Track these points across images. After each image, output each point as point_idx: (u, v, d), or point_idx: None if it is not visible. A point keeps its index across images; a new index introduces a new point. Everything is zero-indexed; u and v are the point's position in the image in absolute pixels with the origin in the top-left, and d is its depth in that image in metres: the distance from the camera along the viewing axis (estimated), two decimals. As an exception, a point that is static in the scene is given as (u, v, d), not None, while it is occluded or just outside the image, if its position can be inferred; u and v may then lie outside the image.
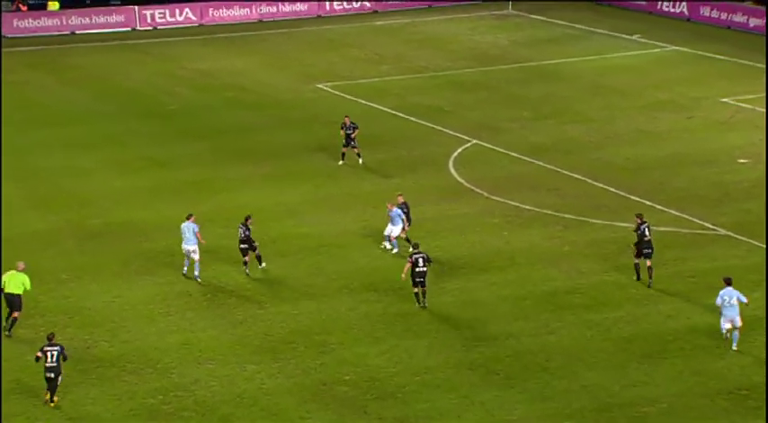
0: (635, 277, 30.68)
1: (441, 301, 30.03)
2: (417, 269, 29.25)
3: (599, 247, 33.06)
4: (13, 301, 28.04)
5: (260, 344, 27.88)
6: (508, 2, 67.29)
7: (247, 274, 31.41)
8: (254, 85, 52.45)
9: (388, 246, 32.69)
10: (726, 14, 60.87)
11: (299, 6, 66.62)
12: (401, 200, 33.16)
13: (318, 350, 27.51)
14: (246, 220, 31.65)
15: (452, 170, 40.38)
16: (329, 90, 51.28)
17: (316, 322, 28.97)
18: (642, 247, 30.45)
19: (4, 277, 28.22)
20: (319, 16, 66.48)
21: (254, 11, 66.07)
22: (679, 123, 45.17)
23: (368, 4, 67.54)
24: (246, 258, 31.45)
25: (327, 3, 66.98)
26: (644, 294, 30.09)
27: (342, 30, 63.35)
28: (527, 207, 36.44)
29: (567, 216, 35.60)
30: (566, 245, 33.41)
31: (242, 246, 31.50)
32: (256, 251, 31.58)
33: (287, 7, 66.49)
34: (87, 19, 63.91)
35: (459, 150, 42.48)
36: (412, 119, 46.47)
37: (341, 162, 40.42)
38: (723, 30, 60.11)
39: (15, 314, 28.06)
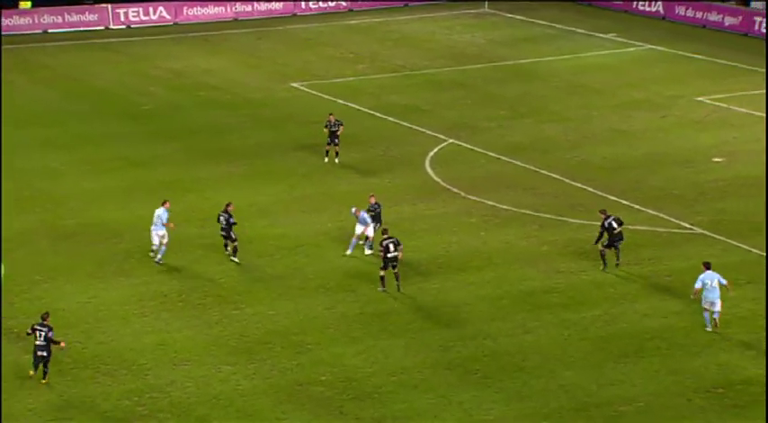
0: (601, 267, 31.18)
1: (418, 301, 30.11)
2: (389, 255, 29.79)
3: (576, 247, 33.23)
4: None
5: (236, 344, 27.86)
6: (484, 1, 67.47)
7: (232, 260, 31.96)
8: (229, 84, 52.37)
9: (368, 251, 32.58)
10: (701, 13, 61.31)
11: (275, 5, 66.57)
12: (373, 200, 33.15)
13: (295, 350, 27.53)
14: (227, 206, 32.25)
15: (429, 170, 40.47)
16: (304, 89, 51.28)
17: (292, 322, 28.98)
18: (614, 240, 31.00)
19: None
20: (294, 15, 66.47)
21: (228, 9, 65.96)
22: (654, 122, 45.45)
23: (343, 3, 67.56)
24: (228, 245, 32.12)
25: (303, 2, 66.96)
26: (621, 293, 30.29)
27: (317, 29, 63.36)
28: (504, 206, 36.58)
29: (544, 215, 35.77)
30: (543, 244, 33.57)
31: (222, 233, 32.13)
32: (234, 243, 31.88)
33: (262, 6, 66.42)
34: (60, 18, 63.61)
35: (436, 150, 42.58)
36: (388, 118, 46.53)
37: (326, 160, 40.50)
38: (698, 29, 60.52)
39: None
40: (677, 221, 35.12)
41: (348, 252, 32.54)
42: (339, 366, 26.76)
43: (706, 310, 28.08)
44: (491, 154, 41.94)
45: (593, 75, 52.61)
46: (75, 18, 63.80)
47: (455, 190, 38.23)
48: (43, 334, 25.67)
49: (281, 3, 66.61)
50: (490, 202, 36.87)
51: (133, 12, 64.50)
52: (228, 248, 32.44)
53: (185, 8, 65.36)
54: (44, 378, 25.85)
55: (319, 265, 32.30)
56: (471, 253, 32.96)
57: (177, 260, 32.59)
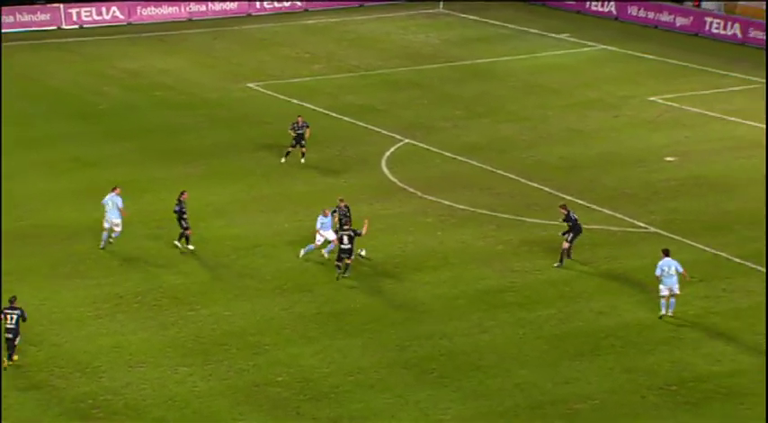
0: (556, 263, 31.52)
1: (374, 301, 30.14)
2: (342, 246, 30.32)
3: (532, 246, 33.41)
4: None
5: (192, 346, 27.72)
6: (439, 1, 67.64)
7: (188, 249, 32.37)
8: (184, 84, 52.08)
9: (326, 254, 32.48)
10: (653, 14, 61.87)
11: (229, 5, 66.23)
12: (342, 204, 32.96)
13: (251, 351, 27.44)
14: (181, 194, 32.73)
15: (385, 169, 40.50)
16: (260, 89, 51.12)
17: (249, 323, 28.89)
18: (576, 232, 31.54)
19: None
20: (249, 15, 66.20)
21: (183, 9, 65.54)
22: (608, 122, 45.81)
23: (298, 2, 67.38)
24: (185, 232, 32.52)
25: (257, 1, 66.71)
26: (576, 292, 30.50)
27: (272, 29, 63.16)
28: (460, 206, 36.69)
29: (500, 215, 35.92)
30: (499, 244, 33.71)
31: (178, 220, 32.53)
32: (185, 231, 32.28)
33: (216, 6, 66.05)
34: (11, 17, 62.82)
35: (393, 149, 42.63)
36: (344, 118, 46.50)
37: (283, 160, 40.39)
38: (650, 29, 61.07)
39: None
40: (631, 220, 35.42)
41: (302, 254, 32.43)
42: (296, 367, 26.71)
43: (662, 296, 28.78)
44: (447, 154, 42.05)
45: (549, 75, 52.92)
46: (26, 18, 63.06)
47: (411, 190, 38.29)
48: (15, 317, 26.23)
49: (236, 3, 66.31)
50: (446, 202, 36.97)
51: (86, 12, 63.87)
52: (179, 241, 32.61)
53: (139, 8, 64.85)
54: (11, 359, 26.16)
55: (276, 265, 32.21)
56: (427, 253, 33.03)
57: (132, 262, 32.37)
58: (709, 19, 59.71)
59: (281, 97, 49.62)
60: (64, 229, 34.63)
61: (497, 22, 63.22)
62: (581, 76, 52.60)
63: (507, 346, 27.71)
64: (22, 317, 26.53)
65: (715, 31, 59.02)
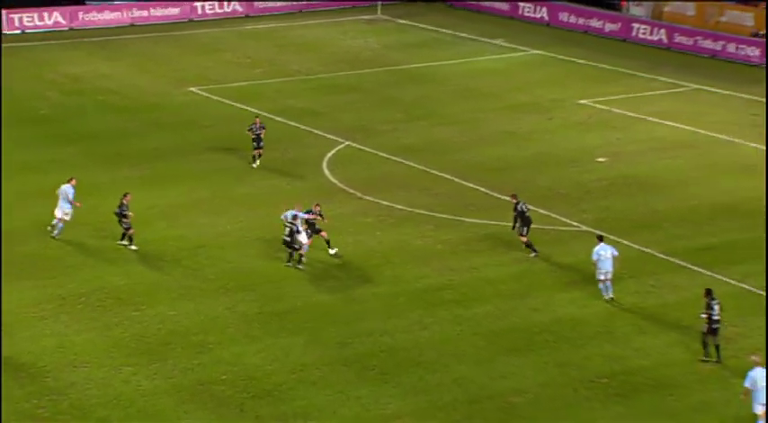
0: (532, 254, 32.20)
1: (316, 300, 30.10)
2: (284, 237, 31.14)
3: (469, 245, 33.59)
4: None
5: (136, 346, 27.47)
6: (377, 7, 67.73)
7: (130, 248, 32.50)
8: (127, 88, 51.56)
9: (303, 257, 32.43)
10: (583, 20, 62.55)
11: (171, 11, 65.72)
12: (318, 209, 32.72)
13: (196, 350, 27.26)
14: (124, 196, 32.86)
15: (326, 171, 40.47)
16: (202, 93, 50.77)
17: (193, 323, 28.69)
18: (525, 223, 32.24)
19: None
20: (191, 20, 65.73)
21: (125, 15, 64.87)
22: (541, 124, 46.21)
23: (239, 8, 67.08)
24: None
25: (199, 7, 66.29)
26: (511, 290, 30.72)
27: (214, 34, 62.77)
28: (399, 207, 36.78)
29: (438, 215, 36.07)
30: (437, 243, 33.84)
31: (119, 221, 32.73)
32: (128, 231, 32.35)
33: (159, 11, 65.52)
34: (-47, 22, 61.81)
35: (333, 152, 42.60)
36: (286, 121, 46.36)
37: (254, 164, 40.06)
38: (581, 34, 61.72)
39: None
40: (564, 219, 35.77)
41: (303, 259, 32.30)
42: (240, 365, 26.59)
43: (601, 281, 29.57)
44: (386, 156, 42.13)
45: (484, 79, 53.24)
46: (-33, 23, 62.06)
47: (352, 191, 38.30)
48: None
49: (178, 8, 65.82)
50: (386, 203, 37.03)
51: (27, 17, 62.90)
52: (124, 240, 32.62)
53: (81, 13, 64.06)
54: None
55: (220, 266, 32.04)
56: (368, 252, 33.06)
57: (77, 263, 31.99)
58: (636, 25, 60.51)
59: (224, 101, 49.34)
60: (6, 233, 34.09)
61: (434, 28, 63.46)
62: (514, 79, 53.00)
63: (446, 342, 27.83)
64: None
65: (642, 36, 59.83)
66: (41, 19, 63.17)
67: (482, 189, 38.56)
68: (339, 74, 54.26)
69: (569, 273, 31.53)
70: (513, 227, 32.69)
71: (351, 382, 25.95)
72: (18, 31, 62.49)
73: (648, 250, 33.16)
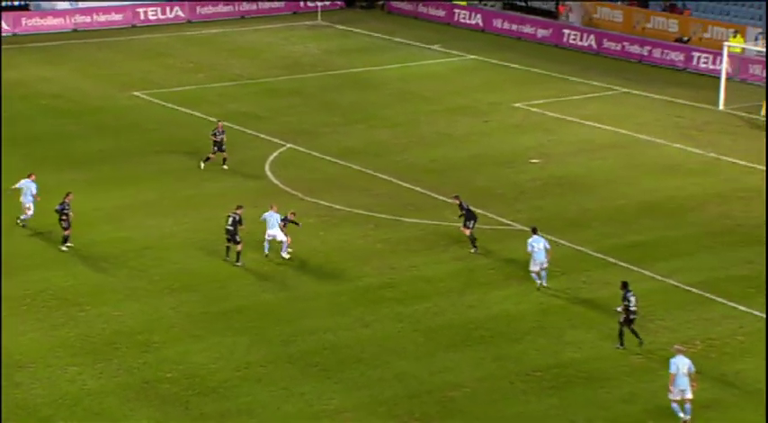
0: (472, 249, 32.47)
1: (260, 299, 30.01)
2: (227, 226, 31.25)
3: (408, 244, 33.71)
4: None
5: (82, 346, 27.16)
6: (317, 13, 67.66)
7: (63, 249, 32.27)
8: (70, 92, 50.92)
9: (286, 255, 32.24)
10: (516, 26, 63.12)
11: (114, 16, 65.03)
12: (292, 217, 32.61)
13: (141, 350, 27.03)
14: (66, 196, 32.55)
15: (269, 173, 40.36)
16: (146, 97, 50.33)
17: (138, 323, 28.44)
18: (472, 219, 32.63)
19: None
20: (134, 26, 65.10)
21: (68, 20, 64.05)
22: (477, 127, 46.51)
23: (181, 14, 66.57)
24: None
25: (142, 13, 65.67)
26: (449, 287, 30.89)
27: (156, 39, 62.23)
28: (340, 207, 36.80)
29: (378, 215, 36.15)
30: (377, 242, 33.92)
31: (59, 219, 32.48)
32: (66, 231, 32.01)
33: (101, 17, 64.78)
34: None
35: (276, 154, 42.49)
36: (228, 125, 46.11)
37: (202, 166, 39.83)
38: (514, 40, 62.23)
39: None
40: (499, 219, 36.05)
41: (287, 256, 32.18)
42: (185, 364, 26.42)
43: (535, 272, 30.13)
44: (327, 158, 42.13)
45: (421, 83, 53.44)
46: None
47: (294, 192, 38.24)
48: None
49: (121, 14, 65.15)
50: (327, 204, 37.03)
51: (-30, 22, 61.93)
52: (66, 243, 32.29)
53: (24, 19, 63.12)
54: None
55: (165, 267, 31.79)
56: (310, 252, 33.03)
57: (21, 264, 31.54)
58: (567, 31, 61.20)
59: (167, 105, 48.95)
60: (-48, 235, 33.53)
61: (373, 34, 63.56)
62: (451, 83, 53.27)
63: (387, 339, 27.91)
64: None
65: (573, 42, 60.50)
66: (-16, 25, 62.13)
67: (420, 189, 38.72)
68: (280, 78, 54.12)
69: (505, 270, 31.79)
70: (464, 225, 32.81)
71: (294, 378, 25.92)
72: (-39, 37, 61.42)
73: (580, 248, 33.55)
